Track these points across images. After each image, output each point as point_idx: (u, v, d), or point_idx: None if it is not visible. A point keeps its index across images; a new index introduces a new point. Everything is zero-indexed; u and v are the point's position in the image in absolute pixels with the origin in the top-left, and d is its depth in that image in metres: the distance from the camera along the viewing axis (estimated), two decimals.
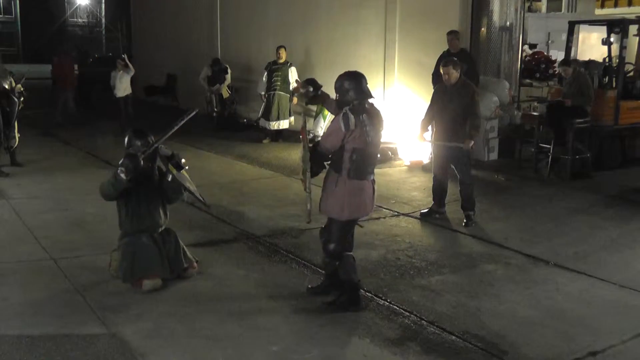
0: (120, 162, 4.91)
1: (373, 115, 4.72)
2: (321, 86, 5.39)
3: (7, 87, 9.31)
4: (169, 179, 5.12)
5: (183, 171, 5.23)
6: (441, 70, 6.88)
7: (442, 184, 7.22)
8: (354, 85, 4.73)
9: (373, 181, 4.82)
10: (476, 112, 6.91)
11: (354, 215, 4.77)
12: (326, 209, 4.78)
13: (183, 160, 5.21)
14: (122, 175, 4.85)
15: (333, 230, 4.78)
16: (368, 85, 4.85)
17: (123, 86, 13.19)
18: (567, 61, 9.76)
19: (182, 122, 5.01)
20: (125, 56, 13.48)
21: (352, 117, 4.58)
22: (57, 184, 8.76)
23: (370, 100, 4.79)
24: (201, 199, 5.35)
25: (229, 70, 13.87)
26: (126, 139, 5.18)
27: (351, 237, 4.92)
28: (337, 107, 4.83)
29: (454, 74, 6.77)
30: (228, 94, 13.90)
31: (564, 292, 5.21)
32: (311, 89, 5.30)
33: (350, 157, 4.62)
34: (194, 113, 5.07)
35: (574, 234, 6.73)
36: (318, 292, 4.99)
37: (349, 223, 4.80)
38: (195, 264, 5.40)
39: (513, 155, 10.10)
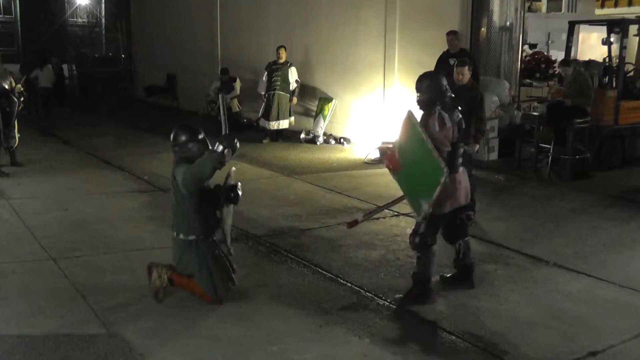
0: (222, 144, 4.48)
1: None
2: None
3: (7, 87, 9.32)
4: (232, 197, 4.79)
5: (231, 207, 4.90)
6: (455, 70, 6.89)
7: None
8: (437, 84, 4.86)
9: (464, 171, 5.07)
10: (482, 116, 6.94)
11: (453, 207, 4.92)
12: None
13: (240, 197, 4.86)
14: (223, 157, 4.46)
15: (428, 224, 4.81)
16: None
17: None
18: (567, 61, 9.77)
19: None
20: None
21: (445, 115, 4.77)
22: (57, 184, 8.76)
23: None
24: (229, 243, 4.99)
25: (237, 81, 13.78)
26: (174, 135, 4.82)
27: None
28: (424, 107, 4.94)
29: (467, 75, 6.81)
30: (238, 109, 13.70)
31: (564, 292, 5.21)
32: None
33: (447, 152, 4.77)
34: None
35: (574, 234, 6.73)
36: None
37: (443, 216, 4.91)
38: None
39: (513, 155, 10.10)
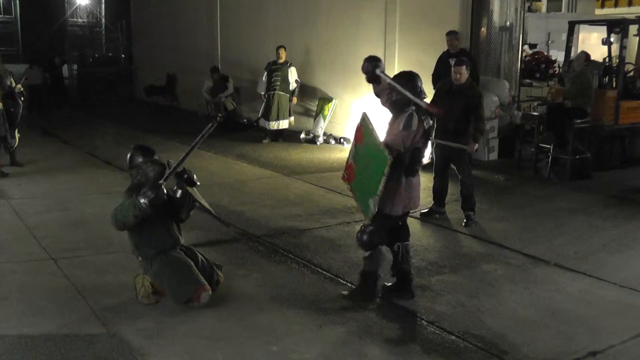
0: (142, 192, 4.53)
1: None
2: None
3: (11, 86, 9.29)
4: (178, 196, 4.77)
5: (195, 188, 4.95)
6: (453, 69, 6.90)
7: (443, 183, 7.22)
8: (414, 85, 4.75)
9: (419, 175, 4.97)
10: (482, 115, 6.94)
11: (406, 210, 4.91)
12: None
13: (195, 177, 4.89)
14: (146, 207, 4.50)
15: (378, 223, 4.78)
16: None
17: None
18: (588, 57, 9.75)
19: (202, 138, 4.69)
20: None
21: (416, 117, 4.67)
22: (57, 184, 8.76)
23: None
24: (217, 216, 5.07)
25: (230, 80, 13.82)
26: (129, 156, 4.85)
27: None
28: (394, 107, 4.83)
29: (465, 74, 6.81)
30: (233, 107, 13.77)
31: (564, 292, 5.21)
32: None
33: (409, 155, 4.71)
34: (212, 127, 4.74)
35: (574, 234, 6.73)
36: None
37: (395, 218, 4.89)
38: (222, 276, 5.11)
39: (513, 155, 10.10)
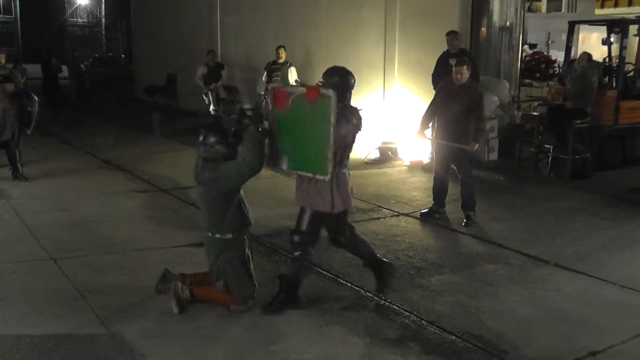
0: (246, 123, 4.44)
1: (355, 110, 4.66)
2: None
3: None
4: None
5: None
6: (454, 69, 6.90)
7: (443, 183, 7.21)
8: (344, 81, 4.62)
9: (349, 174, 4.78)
10: (482, 115, 6.95)
11: (343, 207, 4.72)
12: (317, 205, 4.66)
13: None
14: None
15: (313, 221, 4.70)
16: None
17: None
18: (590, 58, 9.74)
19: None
20: None
21: (343, 118, 4.49)
22: (57, 184, 8.75)
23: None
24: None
25: (225, 68, 13.76)
26: (205, 135, 4.63)
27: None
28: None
29: (466, 74, 6.81)
30: (224, 95, 13.78)
31: (564, 292, 5.21)
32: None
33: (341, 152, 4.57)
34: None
35: (574, 234, 6.73)
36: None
37: (328, 217, 4.74)
38: None
39: (513, 155, 10.10)
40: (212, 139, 4.60)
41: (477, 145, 6.92)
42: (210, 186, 4.64)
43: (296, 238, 4.73)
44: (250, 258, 4.83)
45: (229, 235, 4.67)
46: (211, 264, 4.74)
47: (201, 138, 4.62)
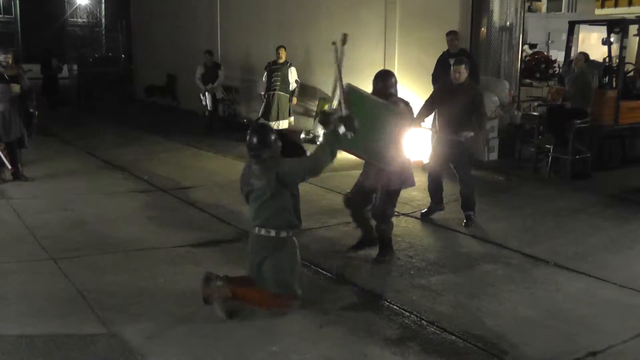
0: (335, 125, 4.51)
1: None
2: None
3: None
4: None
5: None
6: (452, 69, 6.89)
7: (437, 179, 7.16)
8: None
9: None
10: (483, 112, 6.90)
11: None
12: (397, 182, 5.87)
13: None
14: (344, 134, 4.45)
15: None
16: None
17: None
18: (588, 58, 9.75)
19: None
20: None
21: None
22: (57, 183, 8.75)
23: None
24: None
25: (222, 68, 13.73)
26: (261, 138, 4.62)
27: None
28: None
29: (464, 74, 6.80)
30: (223, 95, 13.74)
31: (564, 292, 5.21)
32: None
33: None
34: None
35: (574, 234, 6.73)
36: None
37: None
38: None
39: (513, 155, 10.10)
40: (272, 138, 4.63)
41: (471, 133, 6.71)
42: (270, 184, 4.59)
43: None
44: (299, 258, 4.79)
45: (284, 234, 4.66)
46: (257, 262, 4.63)
47: (258, 140, 4.57)
